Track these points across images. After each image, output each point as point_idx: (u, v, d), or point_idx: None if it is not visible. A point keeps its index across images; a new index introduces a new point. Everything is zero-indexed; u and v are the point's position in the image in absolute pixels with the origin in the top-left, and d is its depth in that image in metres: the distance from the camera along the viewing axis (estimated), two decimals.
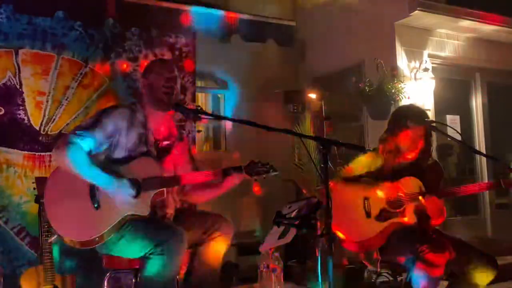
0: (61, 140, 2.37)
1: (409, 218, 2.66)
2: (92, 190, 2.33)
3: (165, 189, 2.45)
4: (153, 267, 2.22)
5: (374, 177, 2.79)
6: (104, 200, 2.33)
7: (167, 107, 2.50)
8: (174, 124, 2.72)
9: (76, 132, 2.36)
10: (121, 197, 2.31)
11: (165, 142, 2.57)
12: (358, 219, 2.73)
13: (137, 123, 2.46)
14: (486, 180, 5.56)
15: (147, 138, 2.49)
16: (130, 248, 2.34)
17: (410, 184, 2.70)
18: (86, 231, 2.30)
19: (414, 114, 2.75)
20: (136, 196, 2.34)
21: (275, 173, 2.54)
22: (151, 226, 2.36)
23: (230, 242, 2.56)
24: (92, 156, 2.36)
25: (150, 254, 2.24)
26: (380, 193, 2.72)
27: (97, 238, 2.29)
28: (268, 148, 5.36)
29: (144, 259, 2.27)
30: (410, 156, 2.76)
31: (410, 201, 2.67)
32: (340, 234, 2.72)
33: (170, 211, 2.56)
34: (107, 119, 2.40)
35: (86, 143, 2.32)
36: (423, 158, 2.80)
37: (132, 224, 2.34)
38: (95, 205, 2.32)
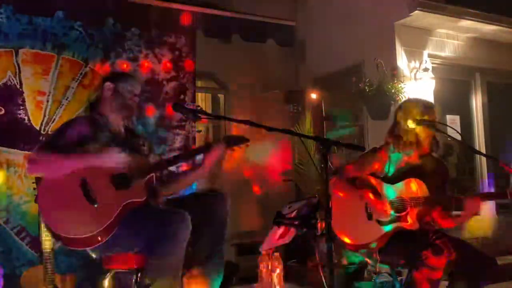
0: (30, 157, 2.45)
1: (411, 223, 2.64)
2: (85, 188, 2.33)
3: (153, 175, 2.50)
4: (158, 252, 2.24)
5: (377, 178, 2.76)
6: (98, 194, 2.33)
7: (130, 112, 2.67)
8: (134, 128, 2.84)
9: (42, 150, 2.43)
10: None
11: (132, 141, 2.65)
12: (359, 221, 2.71)
13: (101, 128, 2.53)
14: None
15: (114, 138, 2.54)
16: (134, 238, 2.34)
17: (414, 188, 2.68)
18: (89, 227, 2.28)
19: (415, 112, 2.74)
20: (129, 185, 2.38)
21: (248, 141, 2.67)
22: (152, 211, 2.41)
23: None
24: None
25: (153, 239, 2.26)
26: (383, 196, 2.69)
27: (100, 233, 2.28)
28: (268, 148, 5.37)
29: (148, 245, 2.28)
30: (413, 154, 2.75)
31: (414, 205, 2.65)
32: (343, 237, 2.71)
33: (161, 200, 2.61)
34: (70, 129, 2.46)
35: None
36: (428, 159, 2.78)
37: (133, 214, 2.35)
38: (91, 202, 2.32)
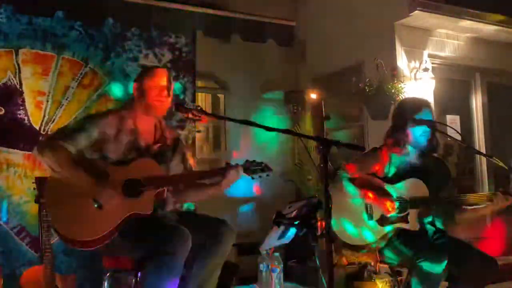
0: (42, 141, 2.39)
1: (412, 223, 2.63)
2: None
3: (165, 188, 2.47)
4: (157, 267, 2.22)
5: (378, 178, 2.76)
6: (106, 199, 2.33)
7: (158, 113, 2.56)
8: (166, 125, 2.74)
9: (59, 134, 2.40)
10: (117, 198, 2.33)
11: (157, 145, 2.58)
12: (360, 222, 2.70)
13: (125, 131, 2.48)
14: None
15: (138, 144, 2.50)
16: (134, 248, 2.34)
17: (414, 188, 2.67)
18: (89, 231, 2.29)
19: (414, 112, 2.73)
20: (138, 195, 2.35)
21: (270, 171, 2.57)
22: (154, 225, 2.37)
23: (231, 247, 2.56)
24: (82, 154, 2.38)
25: (154, 253, 2.23)
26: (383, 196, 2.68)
27: (100, 239, 2.29)
28: (268, 148, 5.36)
29: (147, 259, 2.26)
30: (413, 154, 2.74)
31: (414, 205, 2.64)
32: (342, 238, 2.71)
33: (170, 208, 2.58)
34: (93, 127, 2.41)
35: (68, 146, 2.34)
36: (429, 158, 2.77)
37: (136, 223, 2.33)
38: (97, 205, 2.32)
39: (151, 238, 2.28)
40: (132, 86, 2.61)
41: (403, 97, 4.54)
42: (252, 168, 2.54)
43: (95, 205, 2.31)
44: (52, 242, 3.06)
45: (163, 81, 2.53)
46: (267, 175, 2.56)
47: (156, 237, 2.27)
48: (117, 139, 2.44)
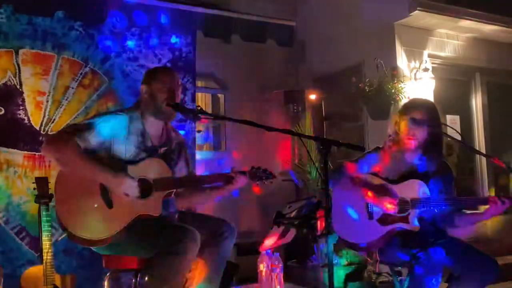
0: (52, 138, 2.37)
1: (412, 224, 2.63)
2: (103, 188, 2.32)
3: (173, 191, 2.48)
4: (165, 266, 2.22)
5: (380, 178, 2.75)
6: (116, 198, 2.32)
7: (167, 118, 2.56)
8: (172, 128, 2.73)
9: (69, 131, 2.38)
10: (130, 197, 2.33)
11: (163, 148, 2.58)
12: (360, 221, 2.70)
13: (135, 132, 2.47)
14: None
15: (146, 146, 2.50)
16: (142, 247, 2.34)
17: (416, 188, 2.67)
18: (98, 230, 2.28)
19: (415, 113, 2.72)
20: (148, 195, 2.35)
21: (274, 178, 2.67)
22: (164, 225, 2.37)
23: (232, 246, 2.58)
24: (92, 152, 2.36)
25: (162, 253, 2.23)
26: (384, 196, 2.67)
27: (108, 238, 2.29)
28: (268, 148, 5.36)
29: (155, 258, 2.25)
30: (415, 154, 2.73)
31: (414, 206, 2.63)
32: (343, 236, 2.71)
33: (173, 209, 2.59)
34: (104, 126, 2.40)
35: (79, 143, 2.32)
36: (431, 160, 2.75)
37: (145, 223, 2.33)
38: (107, 204, 2.31)
39: (161, 238, 2.28)
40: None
41: (407, 98, 4.54)
42: (257, 175, 2.62)
43: (107, 204, 2.30)
44: (52, 242, 3.06)
45: (172, 85, 2.51)
46: (271, 182, 2.65)
47: (166, 237, 2.27)
48: (127, 141, 2.44)
